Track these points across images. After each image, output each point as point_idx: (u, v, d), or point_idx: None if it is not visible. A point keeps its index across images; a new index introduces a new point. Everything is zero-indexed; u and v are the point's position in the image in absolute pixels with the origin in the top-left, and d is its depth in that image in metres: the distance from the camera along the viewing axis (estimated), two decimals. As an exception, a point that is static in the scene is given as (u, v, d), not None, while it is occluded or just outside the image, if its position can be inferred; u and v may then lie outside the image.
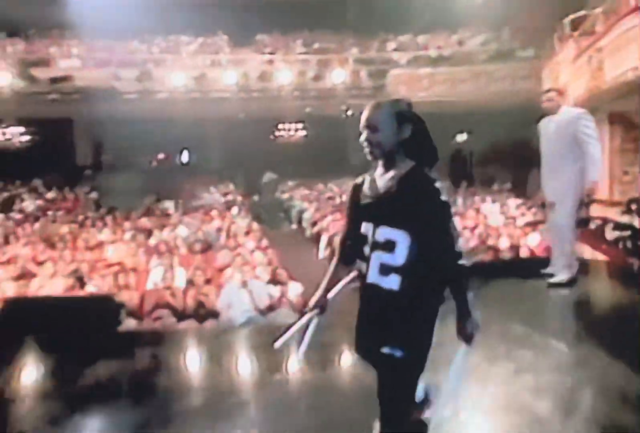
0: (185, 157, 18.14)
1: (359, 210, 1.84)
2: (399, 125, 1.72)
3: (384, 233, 1.75)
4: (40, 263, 7.50)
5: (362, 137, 1.75)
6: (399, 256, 1.74)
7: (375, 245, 1.77)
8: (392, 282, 1.76)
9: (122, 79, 12.11)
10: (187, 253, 7.94)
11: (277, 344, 1.95)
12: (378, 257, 1.77)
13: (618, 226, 6.95)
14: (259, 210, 12.96)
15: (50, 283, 6.70)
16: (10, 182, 13.14)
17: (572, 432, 2.14)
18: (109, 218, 10.92)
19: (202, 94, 12.23)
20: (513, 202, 11.62)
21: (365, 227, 1.80)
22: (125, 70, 12.26)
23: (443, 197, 1.68)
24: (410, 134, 1.72)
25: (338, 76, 12.12)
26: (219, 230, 9.91)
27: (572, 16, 7.69)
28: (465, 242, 8.38)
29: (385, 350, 1.72)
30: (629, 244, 6.32)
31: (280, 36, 16.34)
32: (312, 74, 12.18)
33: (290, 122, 16.71)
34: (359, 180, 1.89)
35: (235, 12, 13.52)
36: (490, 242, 8.30)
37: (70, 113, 12.82)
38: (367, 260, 1.80)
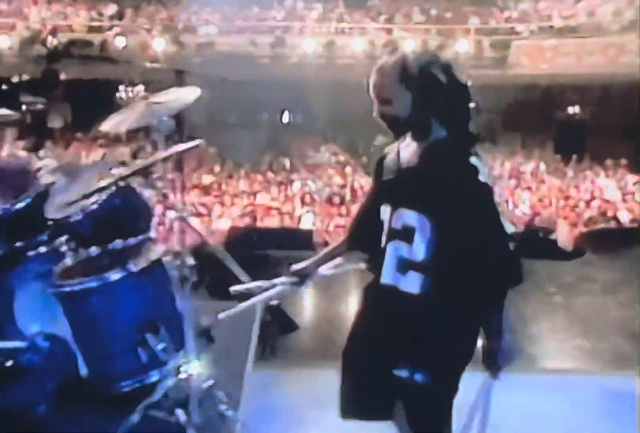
0: (285, 117, 19.18)
1: (380, 188, 1.55)
2: (419, 90, 1.37)
3: (402, 217, 1.42)
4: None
5: (375, 111, 1.44)
6: (418, 248, 1.40)
7: (392, 234, 1.45)
8: (411, 283, 1.41)
9: (258, 44, 13.30)
10: (326, 205, 9.21)
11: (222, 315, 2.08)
12: (395, 249, 1.44)
13: None
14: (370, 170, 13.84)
15: (223, 222, 8.29)
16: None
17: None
18: (242, 171, 12.49)
19: (330, 59, 13.19)
20: (630, 178, 11.68)
21: (384, 210, 1.48)
22: (261, 37, 13.43)
23: (481, 177, 1.35)
24: (437, 99, 1.38)
25: (461, 46, 12.52)
26: (343, 186, 11.07)
27: None
28: (581, 213, 8.86)
29: (402, 373, 1.37)
30: None
31: (391, 1, 16.73)
32: (434, 43, 12.64)
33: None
34: (387, 149, 1.56)
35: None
36: (609, 214, 8.74)
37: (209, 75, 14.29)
38: (382, 253, 1.47)
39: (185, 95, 2.22)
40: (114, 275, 1.93)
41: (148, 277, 2.00)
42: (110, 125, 2.23)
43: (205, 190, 10.36)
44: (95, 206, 2.19)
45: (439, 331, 1.35)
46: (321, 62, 13.29)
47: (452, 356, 1.37)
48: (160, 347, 1.93)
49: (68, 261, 2.12)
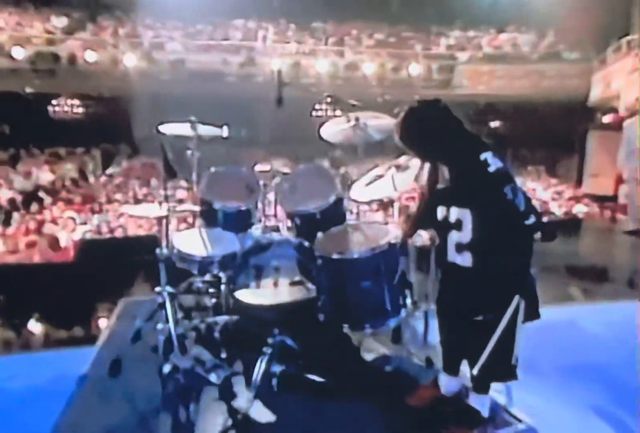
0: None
1: (435, 195, 2.07)
2: (423, 136, 2.02)
3: (454, 213, 1.95)
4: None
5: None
6: (466, 233, 1.92)
7: (449, 226, 1.98)
8: (466, 259, 1.95)
9: (228, 63, 14.08)
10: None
11: None
12: (452, 237, 1.98)
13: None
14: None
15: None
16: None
17: None
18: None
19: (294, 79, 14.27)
20: (553, 181, 14.08)
21: (441, 210, 2.02)
22: (231, 56, 14.23)
23: (490, 169, 1.85)
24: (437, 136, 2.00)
25: (413, 69, 14.23)
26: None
27: (629, 38, 9.99)
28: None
29: (479, 317, 1.93)
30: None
31: (335, 25, 18.26)
32: (390, 65, 14.24)
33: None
34: None
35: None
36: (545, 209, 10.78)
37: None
38: (445, 239, 2.02)
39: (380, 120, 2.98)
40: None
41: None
42: (326, 134, 3.03)
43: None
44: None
45: (488, 290, 1.91)
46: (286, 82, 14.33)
47: (500, 304, 1.92)
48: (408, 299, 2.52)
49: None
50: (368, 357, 2.83)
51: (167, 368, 2.55)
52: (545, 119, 13.96)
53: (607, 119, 13.76)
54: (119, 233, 8.85)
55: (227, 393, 2.43)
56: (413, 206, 2.37)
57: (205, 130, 3.18)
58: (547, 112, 13.89)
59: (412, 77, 14.12)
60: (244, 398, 2.37)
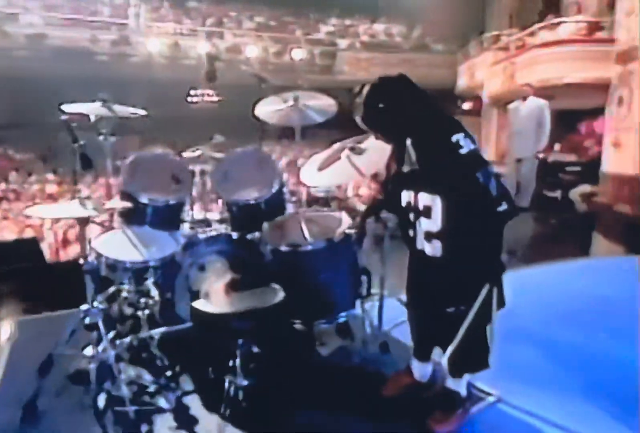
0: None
1: (401, 177, 1.91)
2: (387, 112, 1.81)
3: (422, 199, 1.80)
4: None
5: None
6: (436, 221, 1.78)
7: (418, 212, 1.83)
8: (436, 249, 1.82)
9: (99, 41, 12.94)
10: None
11: None
12: (421, 224, 1.84)
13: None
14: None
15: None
16: None
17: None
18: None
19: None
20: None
21: (407, 195, 1.87)
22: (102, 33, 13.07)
23: (462, 151, 1.69)
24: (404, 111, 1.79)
25: (296, 54, 14.38)
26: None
27: (489, 34, 11.22)
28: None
29: (450, 309, 1.83)
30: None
31: (211, 6, 17.72)
32: (273, 50, 14.23)
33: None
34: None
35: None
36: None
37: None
38: (413, 227, 1.88)
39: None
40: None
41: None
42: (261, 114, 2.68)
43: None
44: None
45: (459, 281, 1.80)
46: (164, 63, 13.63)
47: (472, 295, 1.80)
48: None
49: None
50: (324, 352, 2.63)
51: (102, 401, 2.12)
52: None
53: (466, 105, 15.37)
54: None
55: (185, 419, 2.09)
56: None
57: (121, 110, 2.72)
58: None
59: (295, 62, 14.25)
60: (209, 421, 2.04)
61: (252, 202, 2.60)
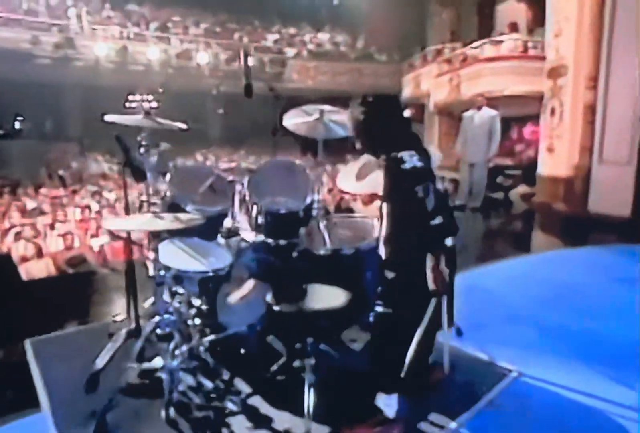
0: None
1: None
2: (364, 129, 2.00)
3: (382, 207, 2.02)
4: None
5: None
6: (384, 227, 1.99)
7: (380, 218, 2.05)
8: (382, 250, 2.00)
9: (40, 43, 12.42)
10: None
11: None
12: (381, 228, 2.04)
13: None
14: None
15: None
16: None
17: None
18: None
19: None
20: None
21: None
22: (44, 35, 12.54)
23: (404, 165, 1.84)
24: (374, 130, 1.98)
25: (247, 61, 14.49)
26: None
27: (433, 47, 12.08)
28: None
29: (377, 308, 1.95)
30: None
31: (154, 10, 17.46)
32: (224, 56, 14.30)
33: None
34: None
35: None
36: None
37: None
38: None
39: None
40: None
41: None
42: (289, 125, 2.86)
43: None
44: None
45: (393, 282, 1.94)
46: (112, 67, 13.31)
47: (407, 296, 1.93)
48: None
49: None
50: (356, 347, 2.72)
51: (173, 410, 2.14)
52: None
53: (407, 113, 16.26)
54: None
55: (259, 418, 2.16)
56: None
57: (165, 122, 2.75)
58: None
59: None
60: (288, 419, 2.14)
61: (288, 210, 2.69)
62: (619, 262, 4.95)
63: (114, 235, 7.68)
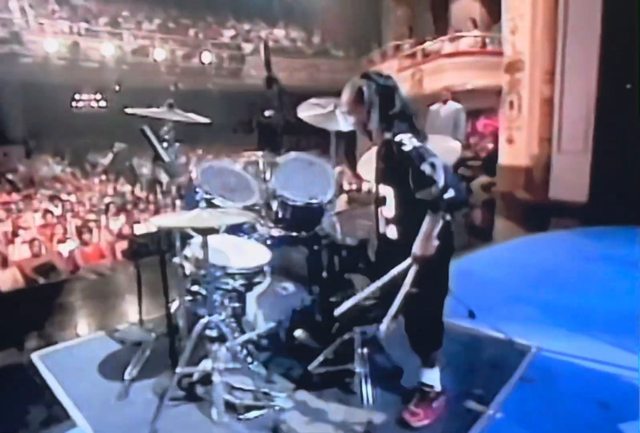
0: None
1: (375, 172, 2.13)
2: (370, 107, 1.99)
3: (381, 190, 2.08)
4: None
5: (350, 124, 2.14)
6: (390, 208, 2.04)
7: (378, 201, 2.11)
8: (392, 232, 2.08)
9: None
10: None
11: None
12: (381, 211, 2.11)
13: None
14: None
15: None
16: None
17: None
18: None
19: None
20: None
21: (373, 187, 2.14)
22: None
23: (405, 148, 1.89)
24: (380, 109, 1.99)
25: (205, 58, 14.28)
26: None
27: (393, 43, 12.36)
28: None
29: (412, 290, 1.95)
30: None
31: (101, 5, 16.78)
32: (181, 53, 13.99)
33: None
34: (367, 154, 2.24)
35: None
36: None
37: None
38: (376, 214, 2.13)
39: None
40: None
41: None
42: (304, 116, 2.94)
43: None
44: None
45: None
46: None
47: (433, 276, 2.01)
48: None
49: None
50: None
51: (225, 415, 2.18)
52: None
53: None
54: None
55: (312, 412, 2.25)
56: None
57: (188, 116, 2.73)
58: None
59: (205, 66, 14.19)
60: (336, 412, 2.24)
61: (310, 203, 2.75)
62: (584, 243, 5.38)
63: (122, 237, 7.43)
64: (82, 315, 3.85)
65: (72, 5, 15.62)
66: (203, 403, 2.28)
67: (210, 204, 2.61)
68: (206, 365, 2.28)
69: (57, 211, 9.63)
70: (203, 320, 2.21)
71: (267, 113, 3.29)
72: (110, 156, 14.92)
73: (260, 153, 3.15)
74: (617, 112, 7.03)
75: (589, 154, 7.90)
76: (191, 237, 2.56)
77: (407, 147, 1.89)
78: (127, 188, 11.91)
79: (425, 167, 1.85)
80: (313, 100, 3.10)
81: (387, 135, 1.99)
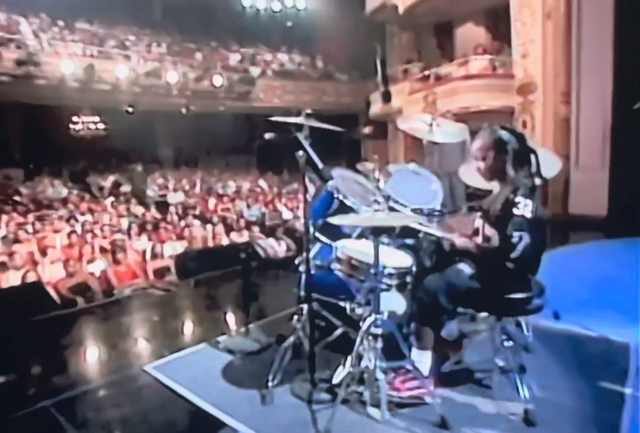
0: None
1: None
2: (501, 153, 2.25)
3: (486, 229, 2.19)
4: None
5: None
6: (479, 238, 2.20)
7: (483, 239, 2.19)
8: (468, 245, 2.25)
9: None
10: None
11: None
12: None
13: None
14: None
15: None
16: None
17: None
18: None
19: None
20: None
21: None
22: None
23: (516, 211, 2.08)
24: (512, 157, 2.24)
25: (217, 80, 14.54)
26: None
27: (402, 66, 12.85)
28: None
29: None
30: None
31: (106, 28, 17.02)
32: (193, 75, 14.24)
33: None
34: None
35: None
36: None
37: None
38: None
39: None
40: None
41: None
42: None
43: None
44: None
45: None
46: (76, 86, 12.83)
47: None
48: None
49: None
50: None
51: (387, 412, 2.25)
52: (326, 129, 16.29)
53: (367, 129, 17.10)
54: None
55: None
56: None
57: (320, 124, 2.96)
58: (328, 123, 16.26)
59: (216, 88, 14.44)
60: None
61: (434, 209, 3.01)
62: (615, 253, 5.63)
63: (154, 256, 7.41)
64: (175, 329, 3.88)
65: (79, 29, 15.84)
66: (351, 404, 2.34)
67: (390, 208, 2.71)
68: (366, 363, 2.27)
69: (79, 231, 9.57)
70: (370, 319, 2.27)
71: (267, 136, 3.46)
72: (111, 178, 14.98)
73: (371, 164, 3.33)
74: (632, 130, 7.41)
75: (606, 170, 8.29)
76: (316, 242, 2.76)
77: (517, 211, 2.06)
78: (139, 209, 11.89)
79: (516, 236, 2.03)
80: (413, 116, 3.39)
81: (506, 191, 2.17)
